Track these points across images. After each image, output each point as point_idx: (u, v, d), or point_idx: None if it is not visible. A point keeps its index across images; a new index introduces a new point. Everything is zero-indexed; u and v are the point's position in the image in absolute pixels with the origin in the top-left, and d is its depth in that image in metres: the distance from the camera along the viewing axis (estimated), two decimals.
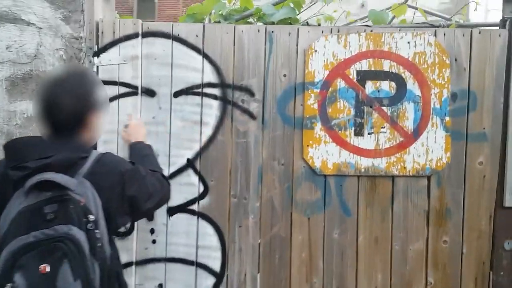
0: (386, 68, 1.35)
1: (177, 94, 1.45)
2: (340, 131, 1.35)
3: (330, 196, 1.38)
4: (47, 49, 1.54)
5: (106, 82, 1.50)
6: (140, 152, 1.20)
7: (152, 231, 1.45)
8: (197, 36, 1.44)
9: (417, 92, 1.34)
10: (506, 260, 1.34)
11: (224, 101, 1.43)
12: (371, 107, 1.35)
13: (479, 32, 1.36)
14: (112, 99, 1.48)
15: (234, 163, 1.42)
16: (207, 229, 1.44)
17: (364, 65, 1.35)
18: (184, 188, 1.44)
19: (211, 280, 1.43)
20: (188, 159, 1.44)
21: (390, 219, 1.36)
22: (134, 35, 1.45)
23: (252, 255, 1.41)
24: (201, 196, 1.45)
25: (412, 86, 1.34)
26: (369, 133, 1.35)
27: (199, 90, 1.44)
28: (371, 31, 1.35)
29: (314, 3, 1.80)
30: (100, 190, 0.90)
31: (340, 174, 1.37)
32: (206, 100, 1.43)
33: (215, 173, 1.41)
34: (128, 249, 1.44)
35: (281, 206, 1.40)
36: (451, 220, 1.35)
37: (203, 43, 1.44)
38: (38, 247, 0.81)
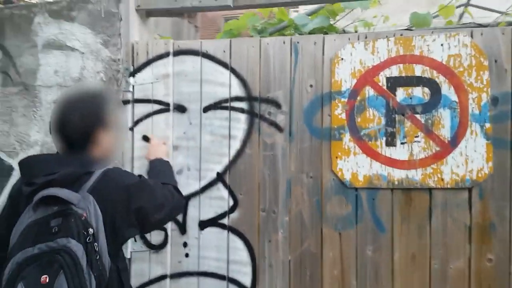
0: (418, 73, 1.60)
1: (206, 109, 1.85)
2: (370, 142, 1.62)
3: (362, 210, 1.65)
4: (89, 72, 2.03)
5: (141, 100, 1.94)
6: (156, 168, 1.58)
7: (185, 244, 1.83)
8: (224, 51, 1.83)
9: (453, 97, 1.56)
10: None
11: (251, 114, 1.79)
12: (403, 115, 1.61)
13: None
14: (147, 116, 1.90)
15: (262, 176, 1.79)
16: (237, 244, 1.79)
17: (394, 71, 1.62)
18: (214, 202, 1.81)
19: None
20: (217, 173, 1.81)
21: (428, 235, 1.59)
22: (166, 54, 1.89)
23: (282, 271, 1.75)
24: (231, 210, 1.80)
25: (448, 91, 1.57)
26: (401, 143, 1.60)
27: (227, 104, 1.82)
28: (401, 35, 1.60)
29: (351, 10, 2.10)
30: (104, 204, 1.15)
31: (372, 187, 1.63)
32: (234, 114, 1.80)
33: (243, 187, 1.78)
34: (163, 262, 1.84)
35: (311, 221, 1.70)
36: (496, 236, 1.55)
37: (230, 58, 1.83)
38: (41, 259, 1.03)
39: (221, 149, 1.87)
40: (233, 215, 1.86)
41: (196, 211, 1.89)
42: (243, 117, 1.86)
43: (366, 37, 1.72)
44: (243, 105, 1.87)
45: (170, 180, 1.53)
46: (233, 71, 1.89)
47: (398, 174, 1.66)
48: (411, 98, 1.66)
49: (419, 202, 1.66)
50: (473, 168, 1.60)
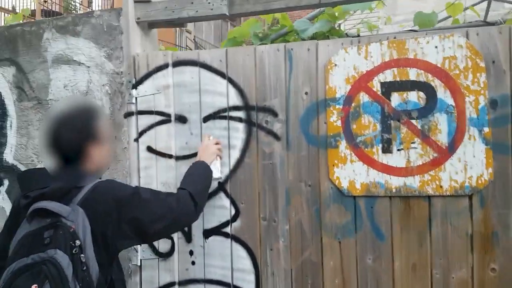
0: (412, 77, 1.91)
1: (206, 119, 2.29)
2: (366, 149, 1.96)
3: (361, 218, 2.01)
4: (95, 85, 2.53)
5: (144, 112, 2.42)
6: (188, 171, 2.03)
7: (191, 252, 2.30)
8: (221, 61, 2.24)
9: (450, 101, 1.86)
10: None
11: (249, 123, 2.20)
12: (398, 121, 1.93)
13: None
14: (150, 127, 2.36)
15: (262, 185, 2.29)
16: (240, 252, 2.23)
17: (388, 75, 1.94)
18: (218, 211, 2.25)
19: None
20: (219, 183, 2.22)
21: (429, 244, 1.92)
22: (165, 66, 2.35)
23: (284, 280, 2.22)
24: (233, 218, 2.25)
25: (443, 94, 1.87)
26: (398, 150, 1.92)
27: (226, 114, 2.22)
28: (394, 37, 1.89)
29: (354, 12, 2.39)
30: (95, 217, 1.49)
31: (369, 195, 1.96)
32: (232, 123, 2.22)
33: (244, 196, 2.25)
34: (171, 269, 2.33)
35: (311, 229, 2.09)
36: (499, 245, 1.85)
37: (226, 67, 2.24)
38: (32, 269, 1.35)
39: (222, 158, 2.27)
40: (235, 224, 2.28)
41: (201, 220, 2.35)
42: (241, 126, 2.27)
43: (359, 42, 2.04)
44: (241, 114, 2.27)
45: (191, 185, 1.89)
46: (230, 80, 2.30)
47: (395, 182, 1.98)
48: (406, 103, 1.97)
49: (418, 210, 1.98)
50: (473, 174, 1.89)
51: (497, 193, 1.92)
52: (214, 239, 2.38)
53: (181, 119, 2.44)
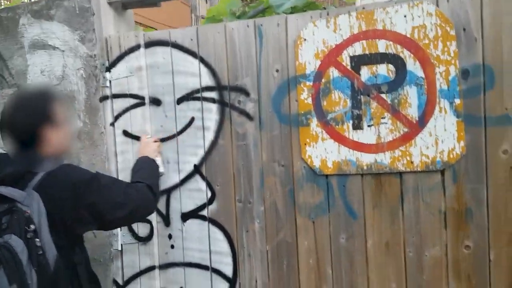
0: (381, 49, 1.95)
1: (179, 100, 2.37)
2: (337, 126, 2.01)
3: (334, 197, 2.08)
4: (70, 70, 2.62)
5: (119, 95, 2.50)
6: (137, 166, 2.17)
7: (170, 236, 2.40)
8: (191, 39, 2.30)
9: (419, 73, 1.89)
10: None
11: (222, 104, 2.28)
12: (368, 95, 1.96)
13: None
14: (125, 110, 2.43)
15: (237, 167, 2.38)
16: (217, 235, 2.32)
17: (357, 49, 1.98)
18: (194, 194, 2.34)
19: (225, 286, 2.34)
20: (194, 165, 2.33)
21: (401, 222, 1.98)
22: (137, 47, 2.42)
23: (261, 261, 2.35)
24: (210, 201, 2.34)
25: (413, 66, 1.90)
26: (368, 126, 1.96)
27: (199, 95, 2.26)
28: (363, 8, 1.91)
29: None
30: (51, 201, 1.57)
31: (341, 173, 2.01)
32: (206, 104, 2.29)
33: (219, 178, 2.36)
34: (151, 253, 2.44)
35: (285, 210, 2.16)
36: (473, 222, 1.89)
37: (198, 46, 2.28)
38: None
39: (196, 141, 2.38)
40: (212, 207, 2.36)
41: (178, 204, 2.43)
42: (214, 107, 2.33)
43: (328, 14, 2.06)
44: (213, 95, 2.34)
45: (146, 179, 1.99)
46: (202, 60, 2.37)
47: (366, 159, 2.03)
48: (376, 77, 2.00)
49: (389, 187, 2.03)
50: (444, 148, 1.92)
51: (470, 167, 1.94)
52: (191, 222, 2.46)
53: (155, 102, 2.51)
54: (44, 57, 2.78)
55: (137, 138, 2.51)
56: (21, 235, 1.50)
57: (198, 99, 2.41)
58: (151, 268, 2.57)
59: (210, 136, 2.40)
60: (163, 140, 2.48)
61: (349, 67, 2.08)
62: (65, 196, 1.62)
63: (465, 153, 1.94)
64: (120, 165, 2.57)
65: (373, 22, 2.02)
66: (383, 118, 2.04)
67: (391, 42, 2.00)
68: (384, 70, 2.03)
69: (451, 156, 1.95)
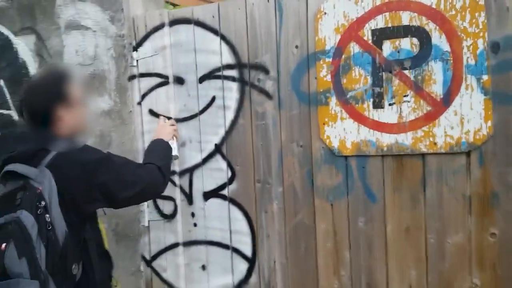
0: (405, 21, 1.86)
1: (201, 79, 2.37)
2: (357, 105, 1.94)
3: (353, 179, 2.02)
4: (101, 50, 2.70)
5: (145, 75, 2.52)
6: (149, 148, 2.18)
7: (192, 215, 2.43)
8: (213, 16, 2.31)
9: (445, 47, 1.79)
10: None
11: (242, 82, 2.27)
12: (390, 72, 1.87)
13: None
14: (151, 90, 2.46)
15: (256, 147, 2.36)
16: (237, 214, 2.33)
17: (379, 22, 1.90)
18: (215, 174, 2.36)
19: (245, 265, 2.33)
20: (215, 145, 2.32)
21: (422, 206, 1.89)
22: (161, 26, 2.45)
23: (279, 242, 2.35)
24: (230, 181, 2.30)
25: (439, 40, 1.80)
26: (389, 104, 1.88)
27: (220, 73, 2.25)
28: None
29: None
30: (62, 179, 1.60)
31: (360, 154, 1.94)
32: (226, 83, 2.30)
33: (239, 158, 2.40)
34: (175, 231, 2.47)
35: (303, 192, 2.13)
36: (500, 208, 1.76)
37: (219, 23, 2.25)
38: (2, 228, 1.51)
39: (217, 120, 2.38)
40: (232, 187, 2.37)
41: (200, 183, 2.46)
42: (234, 86, 2.32)
43: None
44: (234, 73, 2.33)
45: (157, 161, 2.00)
46: (222, 37, 2.36)
47: (387, 139, 1.94)
48: (398, 52, 1.90)
49: (411, 170, 1.93)
50: (470, 129, 1.79)
51: (498, 149, 1.79)
52: (213, 202, 2.48)
53: (179, 81, 2.53)
54: (78, 38, 2.87)
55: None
56: (32, 211, 1.54)
57: (219, 77, 2.40)
58: (175, 245, 2.62)
59: (230, 115, 2.39)
60: (186, 119, 2.50)
61: (370, 42, 1.97)
62: (76, 175, 1.65)
63: (492, 134, 1.79)
64: (147, 143, 2.62)
65: None
66: (406, 96, 1.92)
67: (415, 14, 1.87)
68: (408, 44, 1.91)
69: (477, 137, 1.81)
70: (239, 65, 2.35)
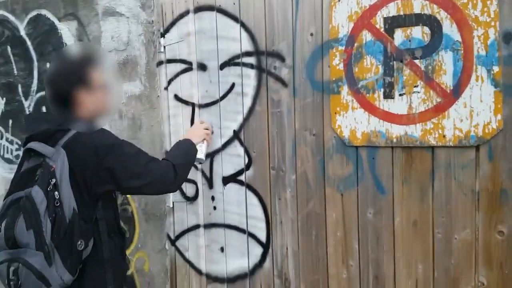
0: (417, 9, 1.85)
1: (222, 66, 2.47)
2: (368, 94, 1.96)
3: (363, 170, 2.05)
4: (134, 36, 2.86)
5: (171, 61, 2.64)
6: (175, 145, 2.26)
7: (212, 198, 2.55)
8: (234, 3, 2.38)
9: (456, 36, 1.77)
10: None
11: (259, 69, 2.34)
12: (401, 61, 1.87)
13: None
14: (176, 75, 2.60)
15: (271, 134, 2.44)
16: (253, 200, 2.43)
17: (392, 9, 1.90)
18: (233, 159, 2.47)
19: (260, 250, 2.42)
20: (234, 131, 2.41)
21: (430, 200, 1.89)
22: (186, 12, 2.58)
23: (292, 229, 2.42)
24: (247, 167, 2.39)
25: (450, 29, 1.77)
26: (400, 95, 1.89)
27: (239, 60, 2.34)
28: None
29: None
30: (75, 160, 1.76)
31: (370, 145, 1.97)
32: (245, 70, 2.38)
33: (255, 145, 2.49)
34: (196, 213, 2.61)
35: (315, 180, 2.19)
36: (509, 205, 1.74)
37: (239, 11, 2.32)
38: (18, 202, 1.73)
39: (236, 106, 2.47)
40: (249, 173, 2.46)
41: (220, 167, 2.57)
42: (252, 73, 2.39)
43: None
44: (252, 60, 2.40)
45: (175, 159, 2.06)
46: (242, 24, 2.42)
47: (396, 131, 1.95)
48: (410, 41, 1.88)
49: (420, 162, 1.93)
50: (479, 122, 1.76)
51: (508, 144, 1.74)
52: (231, 186, 2.58)
53: (202, 67, 2.63)
54: (113, 24, 3.05)
55: (185, 102, 2.67)
56: (43, 187, 1.71)
57: (238, 64, 2.47)
58: (196, 226, 2.76)
59: (248, 102, 2.46)
60: (208, 105, 2.60)
61: (382, 30, 1.96)
62: (87, 156, 1.77)
63: (502, 128, 1.74)
64: (172, 128, 2.76)
65: None
66: (416, 86, 1.90)
67: (427, 2, 1.84)
68: (419, 33, 1.88)
69: (486, 131, 1.77)
70: (257, 52, 2.41)
